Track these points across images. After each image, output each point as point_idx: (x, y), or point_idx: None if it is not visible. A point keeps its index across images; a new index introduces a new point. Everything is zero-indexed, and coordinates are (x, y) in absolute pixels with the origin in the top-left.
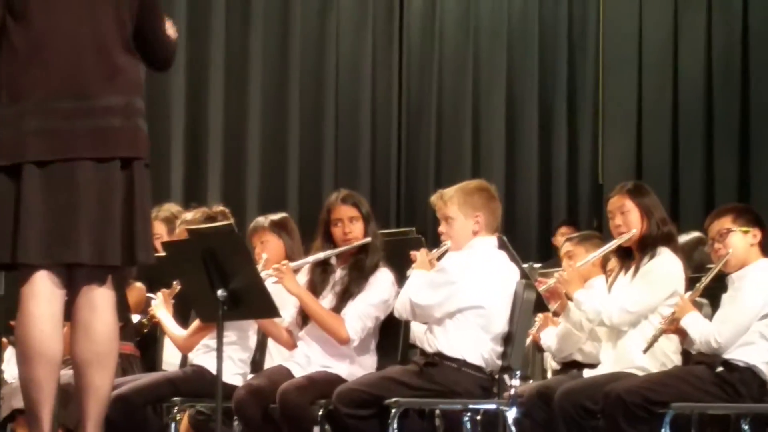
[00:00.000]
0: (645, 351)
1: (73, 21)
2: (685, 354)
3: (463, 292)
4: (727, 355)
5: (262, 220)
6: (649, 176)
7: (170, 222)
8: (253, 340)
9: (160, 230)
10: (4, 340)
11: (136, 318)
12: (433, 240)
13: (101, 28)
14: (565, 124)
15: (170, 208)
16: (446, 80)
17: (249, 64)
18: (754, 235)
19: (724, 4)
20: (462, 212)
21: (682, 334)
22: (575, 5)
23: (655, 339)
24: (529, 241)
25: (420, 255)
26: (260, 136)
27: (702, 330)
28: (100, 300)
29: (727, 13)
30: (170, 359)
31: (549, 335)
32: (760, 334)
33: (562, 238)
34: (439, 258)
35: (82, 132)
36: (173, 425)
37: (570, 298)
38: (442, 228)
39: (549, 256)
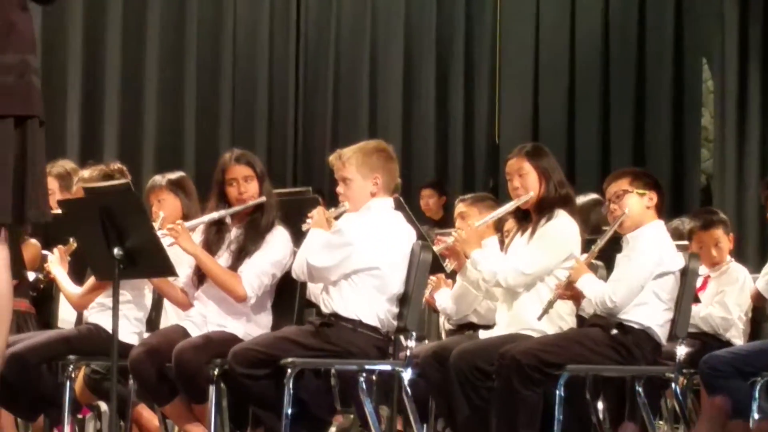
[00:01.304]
0: (540, 318)
1: None
2: (580, 317)
3: (359, 253)
4: (622, 316)
5: (159, 178)
6: (545, 137)
7: (64, 178)
8: (148, 299)
9: (52, 186)
10: None
11: (32, 275)
12: (330, 199)
13: None
14: (462, 84)
15: (64, 164)
16: (344, 38)
17: (146, 20)
18: (650, 198)
19: None
20: (360, 173)
21: (577, 300)
22: None
23: (550, 305)
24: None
25: (317, 213)
26: (157, 94)
27: (597, 290)
28: None
29: None
30: (66, 317)
31: (443, 296)
32: (654, 294)
33: (423, 201)
34: (336, 218)
35: None
36: (68, 383)
37: (468, 257)
38: (340, 189)
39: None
